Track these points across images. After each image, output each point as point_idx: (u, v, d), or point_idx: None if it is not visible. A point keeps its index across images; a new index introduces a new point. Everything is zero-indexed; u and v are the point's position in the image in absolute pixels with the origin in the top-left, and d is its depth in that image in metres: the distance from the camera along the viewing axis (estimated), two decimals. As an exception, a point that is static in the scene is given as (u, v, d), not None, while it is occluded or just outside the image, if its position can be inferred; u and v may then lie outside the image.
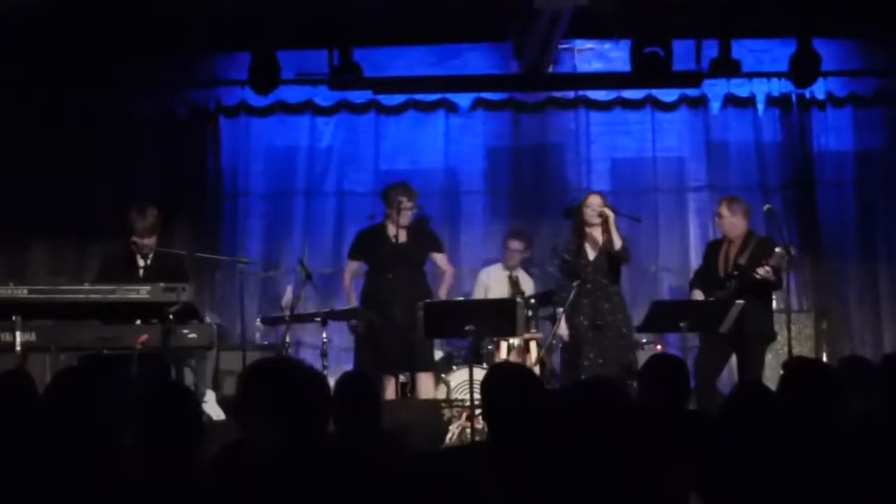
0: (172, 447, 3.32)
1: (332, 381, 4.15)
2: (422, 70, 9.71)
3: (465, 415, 7.27)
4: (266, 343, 9.02)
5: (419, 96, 9.94)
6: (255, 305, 9.51)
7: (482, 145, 10.07)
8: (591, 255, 7.92)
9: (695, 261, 9.31)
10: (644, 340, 8.77)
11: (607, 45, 9.74)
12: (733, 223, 7.91)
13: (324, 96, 9.83)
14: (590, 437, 3.53)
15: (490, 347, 8.42)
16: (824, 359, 8.88)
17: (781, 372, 4.63)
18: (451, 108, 10.02)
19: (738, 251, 7.82)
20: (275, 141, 10.09)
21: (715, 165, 9.93)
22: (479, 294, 9.17)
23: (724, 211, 7.97)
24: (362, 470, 3.02)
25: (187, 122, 9.98)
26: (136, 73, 9.60)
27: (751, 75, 9.66)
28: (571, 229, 8.09)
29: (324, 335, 7.93)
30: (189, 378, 7.32)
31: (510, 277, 8.68)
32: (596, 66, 9.85)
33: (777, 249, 7.59)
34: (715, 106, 9.92)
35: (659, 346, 8.79)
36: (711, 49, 8.92)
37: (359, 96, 9.83)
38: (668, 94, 9.91)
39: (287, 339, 8.02)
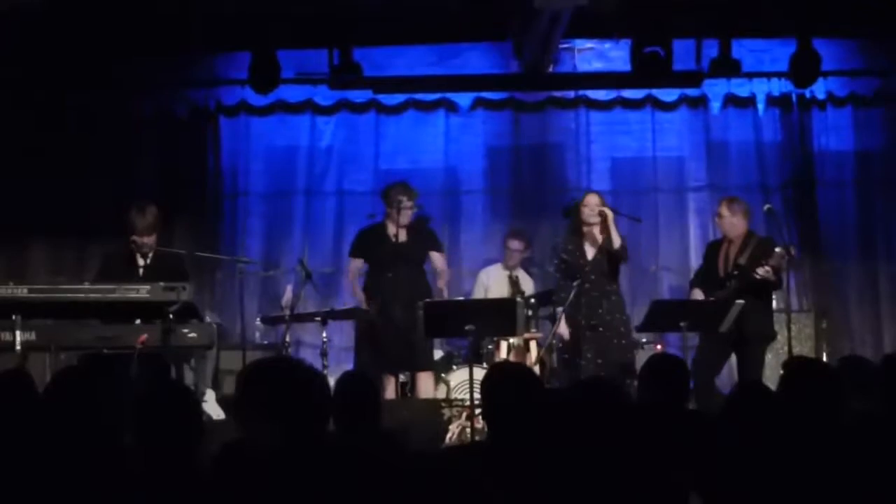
0: (172, 447, 3.32)
1: (332, 381, 4.15)
2: (422, 69, 9.71)
3: (465, 414, 7.27)
4: (266, 342, 9.02)
5: (419, 96, 9.94)
6: (255, 305, 9.51)
7: (482, 145, 10.07)
8: (590, 254, 7.92)
9: (695, 260, 9.32)
10: (644, 340, 8.77)
11: (607, 45, 9.74)
12: (733, 223, 7.91)
13: (324, 96, 9.83)
14: (590, 437, 3.53)
15: (490, 347, 8.42)
16: (824, 359, 8.87)
17: (781, 372, 4.63)
18: (452, 107, 10.02)
19: (738, 251, 7.82)
20: (275, 140, 10.09)
21: (715, 165, 9.93)
22: (478, 294, 9.17)
23: (724, 211, 7.97)
24: (362, 470, 3.02)
25: (187, 121, 9.99)
26: (136, 73, 9.60)
27: (751, 75, 9.66)
28: (569, 229, 8.08)
29: (324, 335, 7.93)
30: (189, 377, 7.32)
31: (510, 277, 8.68)
32: (596, 65, 9.85)
33: (777, 249, 7.59)
34: (715, 106, 9.92)
35: (659, 346, 8.79)
36: (711, 49, 8.92)
37: (359, 96, 9.83)
38: (668, 94, 9.91)
39: (287, 339, 8.02)
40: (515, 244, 9.12)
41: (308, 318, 8.36)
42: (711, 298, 7.74)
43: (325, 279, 9.40)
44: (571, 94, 9.97)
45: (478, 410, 6.52)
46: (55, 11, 8.32)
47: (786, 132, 9.94)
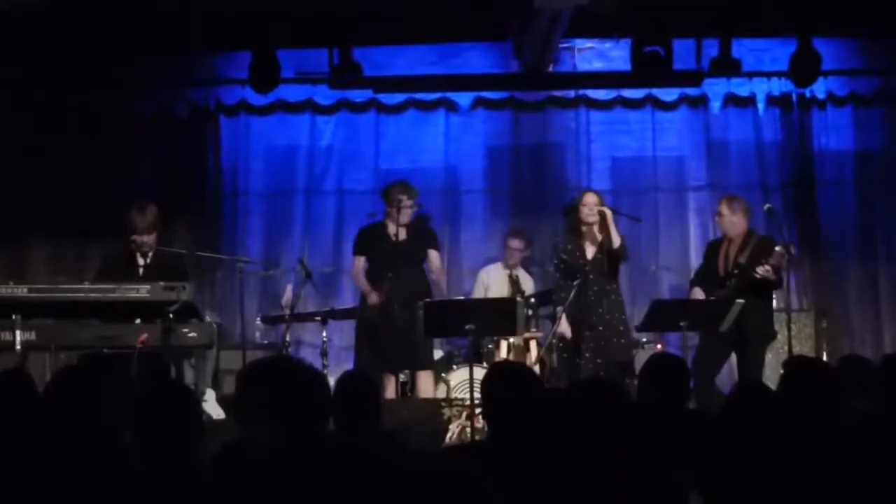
0: (172, 446, 3.32)
1: (332, 381, 4.15)
2: (422, 69, 9.71)
3: (465, 414, 7.27)
4: (266, 342, 9.02)
5: (419, 95, 9.94)
6: (256, 304, 9.51)
7: (482, 144, 10.07)
8: (590, 253, 7.92)
9: (695, 260, 9.32)
10: (644, 340, 8.78)
11: (608, 45, 9.74)
12: (733, 221, 7.91)
13: (324, 95, 9.83)
14: (590, 436, 3.53)
15: (490, 347, 8.42)
16: (824, 358, 8.87)
17: (781, 371, 4.63)
18: (452, 107, 10.02)
19: (739, 250, 7.82)
20: (275, 140, 10.09)
21: (715, 165, 9.93)
22: (479, 293, 9.17)
23: (724, 209, 7.97)
24: (362, 469, 3.01)
25: (187, 121, 9.98)
26: (136, 73, 9.60)
27: (751, 74, 9.66)
28: (567, 228, 8.07)
29: (324, 334, 7.93)
30: (189, 377, 7.32)
31: (510, 276, 8.68)
32: (596, 65, 9.85)
33: (777, 248, 7.59)
34: (715, 105, 9.92)
35: (659, 346, 8.80)
36: (712, 48, 8.92)
37: (359, 95, 9.83)
38: (668, 94, 9.91)
39: (287, 338, 8.03)
40: (516, 243, 9.12)
41: (308, 317, 8.36)
42: (711, 298, 7.74)
43: (325, 279, 9.41)
44: (571, 93, 9.97)
45: (478, 410, 6.52)
46: (55, 11, 8.32)
47: (786, 132, 9.94)
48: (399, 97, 9.93)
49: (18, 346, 6.81)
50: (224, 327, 8.38)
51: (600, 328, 7.75)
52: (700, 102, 9.93)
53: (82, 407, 3.53)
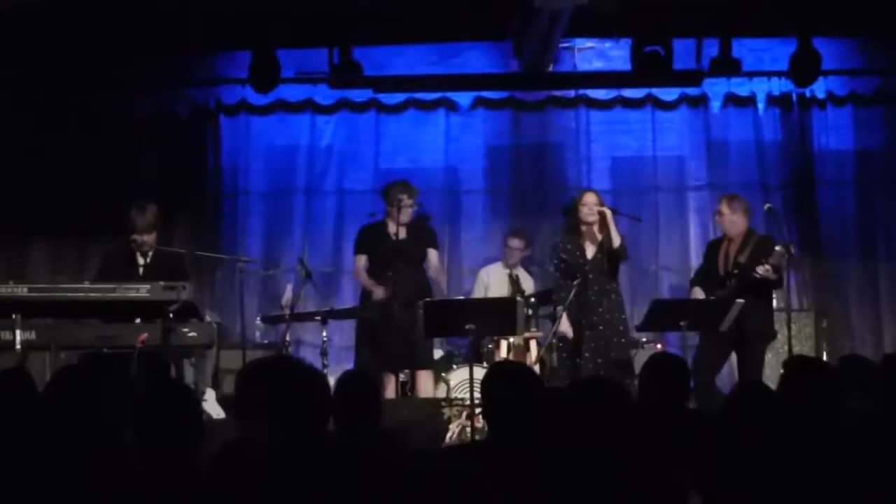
0: (172, 445, 3.32)
1: (332, 380, 4.15)
2: (422, 69, 9.71)
3: (465, 414, 7.27)
4: (266, 342, 9.03)
5: (419, 95, 9.94)
6: (256, 304, 9.51)
7: (482, 144, 10.07)
8: (590, 253, 7.91)
9: (695, 260, 9.32)
10: (644, 339, 8.78)
11: (608, 44, 9.74)
12: (733, 221, 7.91)
13: (324, 95, 9.83)
14: (590, 436, 3.53)
15: (490, 346, 8.41)
16: (824, 358, 8.87)
17: (781, 371, 4.63)
18: (452, 106, 10.02)
19: (739, 250, 7.82)
20: (275, 139, 10.09)
21: (715, 164, 9.92)
22: (479, 293, 9.17)
23: (725, 209, 7.97)
24: (362, 470, 3.01)
25: (187, 120, 9.99)
26: (136, 73, 9.60)
27: (751, 74, 9.66)
28: (566, 227, 8.07)
29: (324, 334, 7.93)
30: (189, 376, 7.32)
31: (510, 276, 8.67)
32: (596, 64, 9.85)
33: (777, 248, 7.58)
34: (715, 105, 9.91)
35: (659, 345, 8.80)
36: (712, 48, 8.92)
37: (359, 95, 9.83)
38: (668, 93, 9.91)
39: (287, 338, 8.02)
40: (516, 242, 9.12)
41: (308, 317, 8.36)
42: (712, 298, 7.74)
43: (325, 278, 9.41)
44: (572, 93, 9.97)
45: (478, 410, 6.52)
46: (55, 11, 8.32)
47: (786, 131, 9.94)
48: (399, 97, 9.93)
49: (18, 346, 6.81)
50: (224, 327, 8.38)
51: (601, 328, 7.75)
52: (700, 102, 9.93)
53: (82, 406, 3.53)
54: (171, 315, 6.88)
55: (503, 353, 8.24)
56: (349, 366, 8.31)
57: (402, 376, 8.13)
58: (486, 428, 5.02)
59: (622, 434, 3.54)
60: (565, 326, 7.76)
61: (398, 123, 10.03)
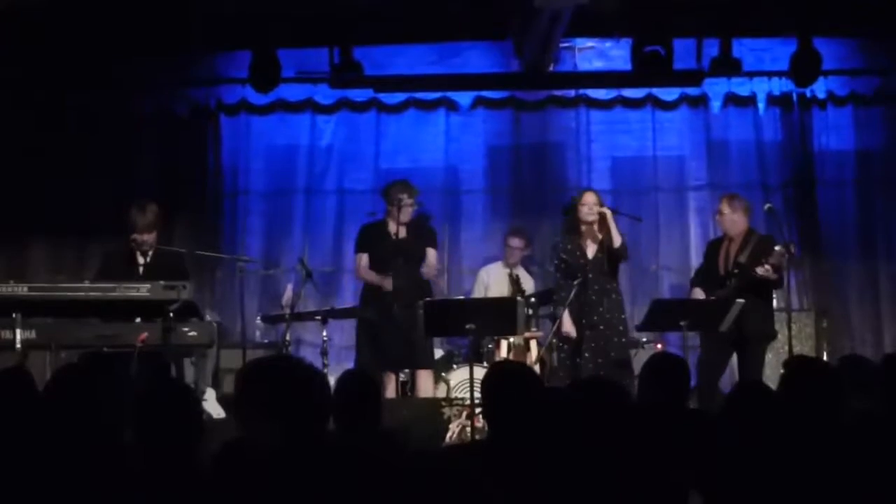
0: (172, 445, 3.32)
1: (332, 380, 4.15)
2: (422, 68, 9.71)
3: (465, 413, 7.27)
4: (266, 341, 9.03)
5: (420, 94, 9.94)
6: (256, 303, 9.51)
7: (483, 144, 10.07)
8: (591, 253, 7.91)
9: (695, 259, 9.32)
10: (644, 339, 8.78)
11: (608, 44, 9.74)
12: (734, 220, 7.92)
13: (324, 94, 9.83)
14: (590, 436, 3.53)
15: (490, 346, 8.42)
16: (825, 358, 8.87)
17: (782, 371, 4.63)
18: (452, 106, 10.02)
19: (739, 249, 7.82)
20: (275, 139, 10.09)
21: (715, 164, 9.92)
22: (479, 292, 9.17)
23: (725, 208, 7.97)
24: (362, 470, 3.01)
25: (188, 120, 9.99)
26: (137, 72, 9.60)
27: (751, 74, 9.66)
28: (565, 227, 8.07)
29: (324, 333, 7.93)
30: (189, 376, 7.32)
31: (510, 276, 8.66)
32: (597, 64, 9.85)
33: (777, 248, 7.58)
34: (715, 105, 9.91)
35: (659, 345, 8.80)
36: (712, 48, 8.91)
37: (359, 94, 9.83)
38: (668, 93, 9.90)
39: (287, 338, 8.02)
40: (516, 242, 9.12)
41: (308, 316, 8.35)
42: (712, 298, 7.74)
43: (325, 278, 9.41)
44: (572, 93, 9.97)
45: (478, 409, 6.52)
46: (55, 11, 8.32)
47: (786, 131, 9.94)
48: (399, 96, 9.93)
49: (19, 345, 6.81)
50: (224, 326, 8.38)
51: (601, 327, 7.76)
52: (700, 102, 9.93)
53: (82, 406, 3.53)
54: (171, 314, 6.88)
55: (503, 352, 8.24)
56: (349, 365, 8.30)
57: (402, 376, 8.14)
58: (486, 428, 5.02)
59: (622, 434, 3.54)
60: (568, 327, 7.76)
61: (398, 123, 10.03)
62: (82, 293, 7.00)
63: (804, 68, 8.90)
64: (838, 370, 4.65)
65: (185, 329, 7.03)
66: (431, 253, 8.19)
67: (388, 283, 7.88)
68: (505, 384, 3.82)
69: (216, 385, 7.53)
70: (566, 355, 7.81)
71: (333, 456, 3.13)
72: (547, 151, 10.06)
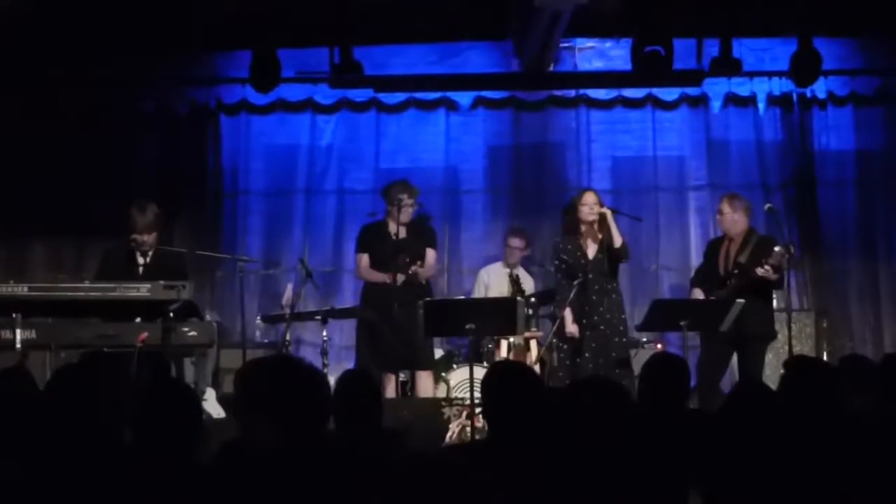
0: (172, 445, 3.31)
1: (332, 380, 4.15)
2: (422, 68, 9.71)
3: (465, 413, 7.27)
4: (266, 341, 9.03)
5: (420, 94, 9.93)
6: (256, 303, 9.51)
7: (483, 144, 10.07)
8: (591, 252, 7.91)
9: (695, 259, 9.31)
10: (644, 339, 8.78)
11: (608, 44, 9.74)
12: (735, 220, 7.92)
13: (324, 94, 9.82)
14: (590, 436, 3.52)
15: (490, 346, 8.41)
16: (825, 358, 8.87)
17: (782, 371, 4.63)
18: (452, 106, 10.01)
19: (739, 249, 7.83)
20: (275, 139, 10.09)
21: (715, 164, 9.92)
22: (479, 292, 9.17)
23: (726, 207, 7.97)
24: (362, 469, 3.01)
25: (188, 119, 9.98)
26: (137, 72, 9.59)
27: (752, 74, 9.66)
28: (565, 228, 8.07)
29: (324, 333, 7.92)
30: (189, 376, 7.32)
31: (510, 276, 8.66)
32: (597, 64, 9.85)
33: (777, 248, 7.58)
34: (716, 105, 9.91)
35: (659, 345, 8.80)
36: (712, 48, 8.91)
37: (359, 94, 9.82)
38: (668, 93, 9.90)
39: (287, 337, 8.02)
40: (516, 241, 9.12)
41: (308, 316, 8.36)
42: (712, 298, 7.74)
43: (325, 278, 9.41)
44: (572, 93, 9.96)
45: (478, 409, 6.52)
46: (55, 10, 8.32)
47: (786, 131, 9.93)
48: (399, 96, 9.93)
49: (19, 345, 6.81)
50: (224, 326, 8.38)
51: (601, 327, 7.75)
52: (700, 102, 9.93)
53: (82, 406, 3.53)
54: (171, 314, 6.88)
55: (503, 352, 8.23)
56: (349, 365, 8.31)
57: (402, 376, 8.14)
58: (486, 428, 5.01)
59: (622, 434, 3.53)
60: (572, 327, 7.75)
61: (398, 123, 10.03)
62: (82, 293, 7.00)
63: (804, 68, 8.90)
64: (838, 370, 4.65)
65: (185, 329, 7.02)
66: (431, 253, 8.19)
67: (385, 278, 7.88)
68: (505, 384, 3.82)
69: (216, 385, 7.54)
70: (566, 355, 7.81)
71: (333, 456, 3.13)
72: (547, 151, 10.06)
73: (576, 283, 7.72)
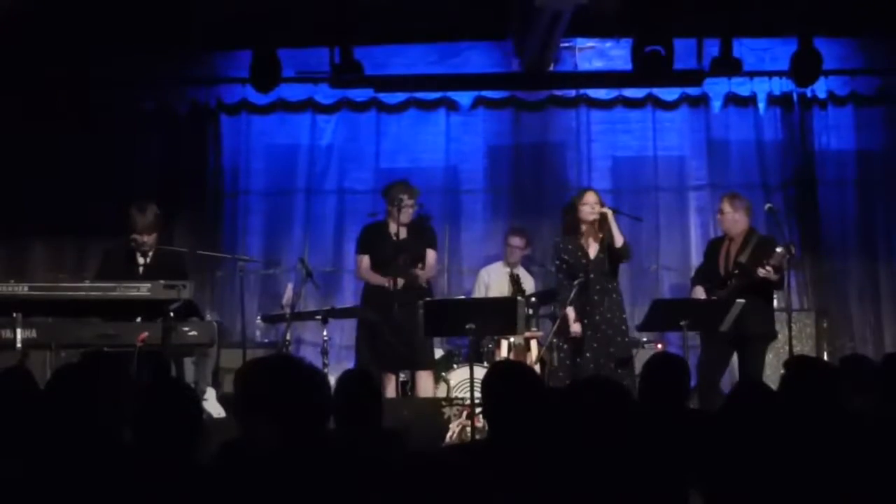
0: (172, 445, 3.31)
1: (332, 379, 4.15)
2: (423, 68, 9.71)
3: (465, 413, 7.27)
4: (266, 341, 9.03)
5: (420, 94, 9.93)
6: (256, 303, 9.52)
7: (483, 143, 10.07)
8: (592, 252, 7.91)
9: (696, 259, 9.31)
10: (644, 339, 8.77)
11: (608, 44, 9.74)
12: (735, 219, 7.92)
13: (325, 94, 9.82)
14: (590, 436, 3.52)
15: (490, 346, 8.41)
16: (825, 358, 8.87)
17: (782, 371, 4.63)
18: (452, 106, 10.01)
19: (739, 249, 7.83)
20: (276, 139, 10.09)
21: (716, 164, 9.92)
22: (479, 291, 9.17)
23: (727, 207, 7.97)
24: (362, 469, 3.01)
25: (188, 119, 9.98)
26: (137, 72, 9.59)
27: (752, 74, 9.66)
28: (565, 228, 8.06)
29: (324, 333, 7.93)
30: (189, 375, 7.32)
31: (511, 275, 8.66)
32: (597, 64, 9.85)
33: (778, 249, 7.58)
34: (716, 105, 9.91)
35: (659, 345, 8.80)
36: (713, 48, 8.91)
37: (360, 94, 9.83)
38: (669, 93, 9.90)
39: (288, 337, 8.02)
40: (516, 241, 9.12)
41: (309, 316, 8.36)
42: (712, 298, 7.74)
43: (325, 277, 9.41)
44: (572, 92, 9.96)
45: (478, 409, 6.52)
46: (55, 10, 8.32)
47: (787, 131, 9.93)
48: (400, 96, 9.93)
49: (19, 344, 6.81)
50: (224, 326, 8.38)
51: (602, 327, 7.76)
52: (701, 102, 9.93)
53: (82, 405, 3.53)
54: (171, 314, 6.89)
55: (503, 352, 8.23)
56: (350, 365, 8.31)
57: (402, 376, 8.14)
58: (486, 428, 5.01)
59: (622, 434, 3.53)
60: (576, 326, 7.75)
61: (399, 123, 10.03)
62: (82, 293, 7.00)
63: (805, 68, 8.89)
64: (838, 370, 4.65)
65: (186, 329, 7.02)
66: (431, 254, 8.20)
67: (384, 282, 7.88)
68: (505, 384, 3.82)
69: (216, 385, 7.53)
70: (566, 355, 7.81)
71: (333, 456, 3.13)
72: (547, 151, 10.06)
73: (577, 282, 7.71)
